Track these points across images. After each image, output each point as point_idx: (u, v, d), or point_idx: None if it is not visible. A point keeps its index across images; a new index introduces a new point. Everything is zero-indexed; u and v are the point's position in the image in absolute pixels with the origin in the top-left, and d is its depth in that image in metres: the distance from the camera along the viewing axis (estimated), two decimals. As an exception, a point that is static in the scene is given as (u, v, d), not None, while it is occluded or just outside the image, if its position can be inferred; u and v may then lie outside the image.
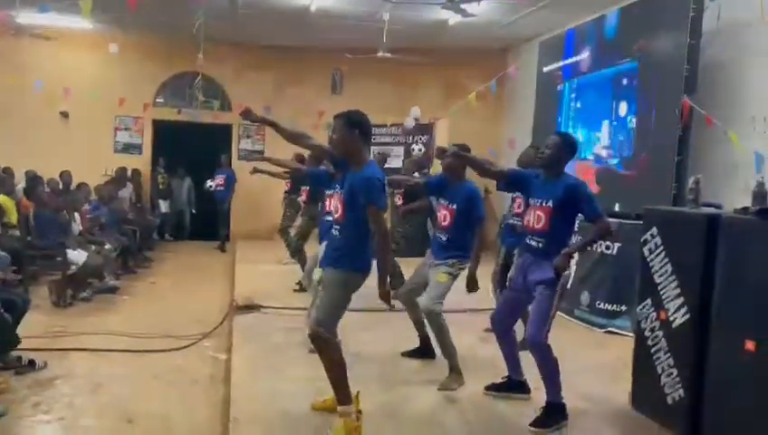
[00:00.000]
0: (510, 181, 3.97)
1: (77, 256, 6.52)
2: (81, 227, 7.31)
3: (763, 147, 5.14)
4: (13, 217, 7.19)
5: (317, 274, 3.47)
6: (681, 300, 3.50)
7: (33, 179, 8.58)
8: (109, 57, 10.51)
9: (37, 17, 9.49)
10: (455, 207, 4.37)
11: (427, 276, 4.44)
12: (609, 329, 5.86)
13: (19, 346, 4.67)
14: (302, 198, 7.95)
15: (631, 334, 5.52)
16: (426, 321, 4.37)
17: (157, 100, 11.69)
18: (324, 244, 4.98)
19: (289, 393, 4.02)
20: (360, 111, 3.49)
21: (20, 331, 4.71)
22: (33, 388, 4.26)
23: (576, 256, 3.73)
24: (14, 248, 6.20)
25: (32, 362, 4.51)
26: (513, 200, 5.35)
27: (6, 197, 7.44)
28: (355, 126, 3.40)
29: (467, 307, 6.15)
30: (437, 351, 4.48)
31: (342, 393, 3.28)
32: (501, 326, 3.87)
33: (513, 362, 3.91)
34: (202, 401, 4.22)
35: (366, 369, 4.41)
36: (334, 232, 3.48)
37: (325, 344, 3.24)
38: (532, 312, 3.64)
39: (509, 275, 5.17)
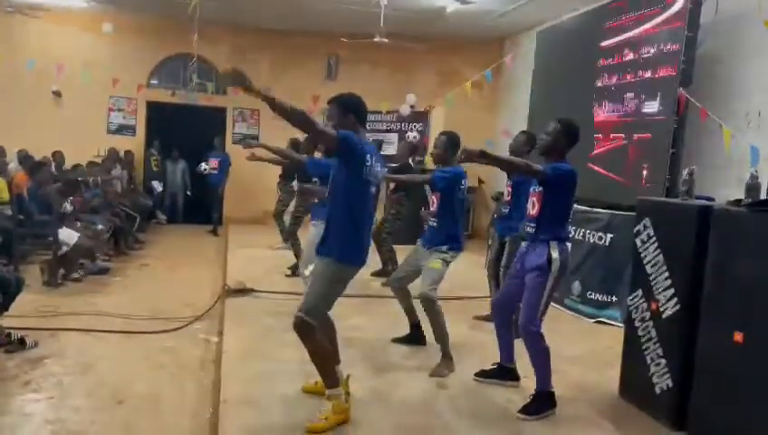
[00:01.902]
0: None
1: (68, 236, 6.49)
2: (72, 208, 7.25)
3: (758, 141, 5.15)
4: (4, 196, 7.14)
5: (311, 267, 3.43)
6: (672, 291, 3.53)
7: (26, 160, 8.49)
8: (102, 36, 10.43)
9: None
10: (438, 190, 4.42)
11: (418, 264, 4.47)
12: (600, 319, 5.90)
13: (10, 325, 4.68)
14: (296, 183, 7.95)
15: (621, 325, 5.58)
16: (422, 307, 4.38)
17: (151, 81, 11.59)
18: (314, 227, 5.01)
19: (280, 376, 4.03)
20: (353, 93, 3.43)
21: (12, 309, 4.71)
22: (22, 366, 4.25)
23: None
24: (5, 228, 6.16)
25: (22, 341, 4.51)
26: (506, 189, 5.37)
27: (-2, 175, 7.40)
28: (350, 110, 3.36)
29: (459, 295, 6.20)
30: (428, 338, 4.50)
31: (329, 377, 3.29)
32: (500, 313, 3.89)
33: (507, 349, 3.94)
34: (192, 383, 4.22)
35: (356, 354, 4.43)
36: (326, 216, 3.44)
37: (307, 331, 3.21)
38: (524, 298, 3.65)
39: (502, 264, 5.24)
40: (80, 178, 7.88)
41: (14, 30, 10.52)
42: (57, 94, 10.94)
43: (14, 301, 4.72)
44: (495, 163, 3.74)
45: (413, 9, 9.18)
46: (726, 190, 5.06)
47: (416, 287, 4.47)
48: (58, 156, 9.04)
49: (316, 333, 3.24)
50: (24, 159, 8.95)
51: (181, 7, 9.31)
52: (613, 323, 5.76)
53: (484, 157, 3.45)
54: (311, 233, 5.08)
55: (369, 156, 3.25)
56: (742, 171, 5.12)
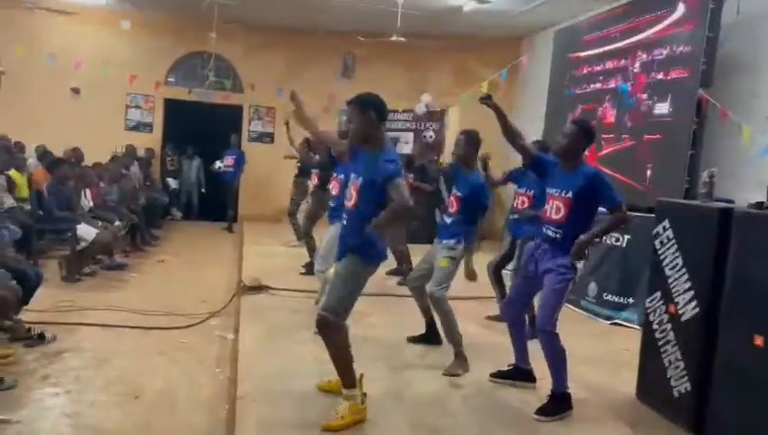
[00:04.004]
0: (533, 163, 3.89)
1: (86, 232, 6.55)
2: (91, 204, 7.33)
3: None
4: (24, 192, 7.22)
5: (332, 269, 3.44)
6: (691, 293, 3.49)
7: (45, 156, 8.58)
8: (120, 33, 10.51)
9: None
10: (460, 194, 4.40)
11: (433, 262, 4.46)
12: (616, 321, 5.86)
13: (30, 319, 4.74)
14: (313, 181, 7.97)
15: (637, 327, 5.55)
16: (431, 307, 4.38)
17: (168, 79, 11.67)
18: (333, 226, 5.01)
19: (295, 373, 4.05)
20: (371, 93, 3.42)
21: (31, 304, 4.77)
22: (41, 361, 4.29)
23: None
24: (24, 223, 6.23)
25: (41, 336, 4.56)
26: (516, 196, 5.36)
27: (17, 172, 7.47)
28: (369, 108, 3.34)
29: (472, 295, 6.16)
30: (443, 337, 4.50)
31: (347, 377, 3.29)
32: (511, 313, 3.88)
33: (521, 351, 3.92)
34: (208, 380, 4.24)
35: (371, 352, 4.43)
36: (345, 220, 3.44)
37: (331, 330, 3.23)
38: (543, 299, 3.63)
39: (512, 267, 5.23)
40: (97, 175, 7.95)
41: (34, 27, 10.63)
42: (75, 91, 11.04)
43: (34, 295, 4.78)
44: (501, 122, 3.78)
45: (429, 8, 9.16)
46: (745, 193, 4.98)
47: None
48: (77, 152, 9.12)
49: (340, 332, 3.25)
50: (43, 154, 9.05)
51: (198, 5, 9.38)
52: (630, 325, 5.72)
53: (495, 109, 3.63)
54: (329, 232, 5.08)
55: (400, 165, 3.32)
56: (760, 173, 5.07)
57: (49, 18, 10.29)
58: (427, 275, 4.52)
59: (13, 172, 7.27)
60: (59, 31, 10.77)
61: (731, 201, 4.20)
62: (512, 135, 3.75)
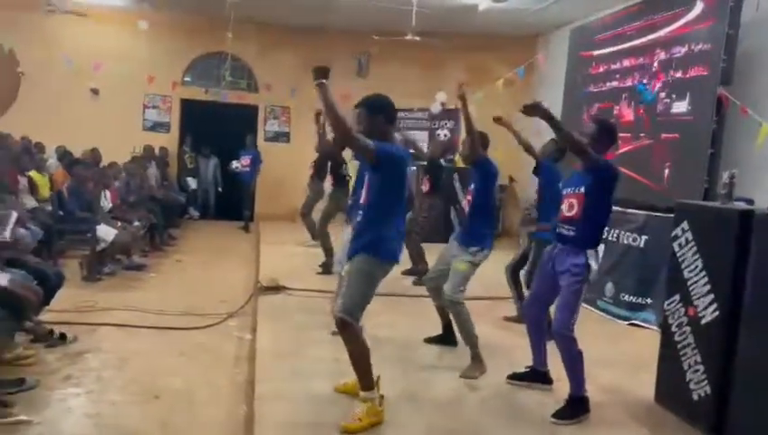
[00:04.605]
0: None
1: (106, 232, 6.63)
2: (110, 204, 7.42)
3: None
4: (45, 193, 7.32)
5: (346, 267, 3.46)
6: (711, 296, 3.46)
7: (65, 156, 8.69)
8: (138, 34, 10.59)
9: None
10: (472, 186, 4.40)
11: (450, 262, 4.45)
12: (633, 321, 5.82)
13: (51, 319, 4.81)
14: (329, 181, 8.00)
15: (655, 328, 5.52)
16: (448, 308, 4.39)
17: (185, 79, 11.76)
18: (349, 228, 5.02)
19: (312, 374, 4.07)
20: (380, 94, 3.44)
21: (52, 304, 4.84)
22: (63, 361, 4.36)
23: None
24: (45, 224, 6.32)
25: (63, 336, 4.62)
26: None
27: (38, 172, 7.58)
28: (378, 111, 3.37)
29: (488, 295, 6.16)
30: (459, 338, 4.50)
31: (365, 379, 3.30)
32: (531, 315, 3.87)
33: (540, 353, 3.91)
34: (226, 380, 4.28)
35: (386, 353, 4.44)
36: (359, 217, 3.49)
37: (349, 331, 3.25)
38: (559, 302, 3.62)
39: (527, 269, 5.22)
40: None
41: (53, 29, 10.76)
42: (95, 92, 11.17)
43: (55, 296, 4.84)
44: (550, 123, 3.56)
45: (444, 7, 9.14)
46: (765, 194, 4.93)
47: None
48: (95, 153, 9.22)
49: (357, 333, 3.27)
50: (63, 155, 9.18)
51: (214, 5, 9.44)
52: (647, 325, 5.67)
53: (538, 111, 3.47)
54: (346, 233, 5.09)
55: (407, 163, 3.34)
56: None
57: (68, 20, 10.41)
58: (445, 276, 4.51)
59: (34, 173, 7.38)
60: (78, 32, 10.88)
61: (750, 201, 4.15)
62: (568, 140, 3.61)
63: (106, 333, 5.05)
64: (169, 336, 5.12)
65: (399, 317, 5.48)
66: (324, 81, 3.12)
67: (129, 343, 4.91)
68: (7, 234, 4.40)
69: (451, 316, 4.40)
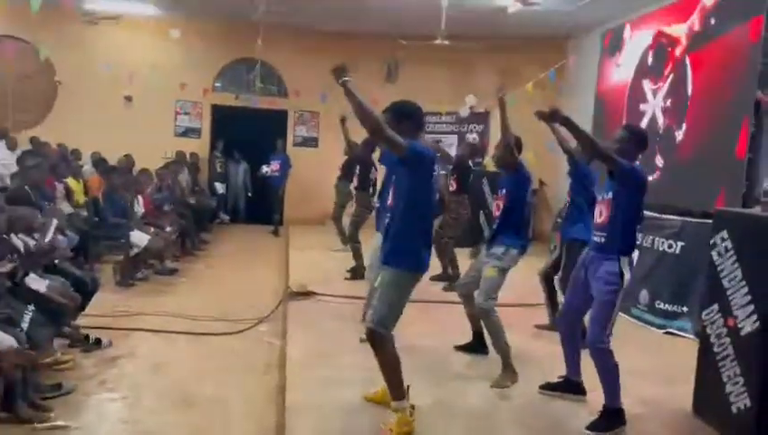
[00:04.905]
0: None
1: (140, 238, 6.75)
2: (143, 210, 7.54)
3: None
4: (80, 199, 7.48)
5: (379, 277, 3.46)
6: (751, 307, 3.37)
7: (100, 163, 8.87)
8: (170, 42, 10.75)
9: (103, 3, 9.80)
10: (503, 192, 4.35)
11: (481, 269, 4.41)
12: (669, 330, 5.69)
13: (87, 324, 4.91)
14: (354, 184, 8.02)
15: (692, 337, 5.39)
16: (479, 317, 4.35)
17: (215, 85, 11.91)
18: (378, 235, 5.01)
19: (342, 382, 4.06)
20: (408, 100, 3.46)
21: (87, 309, 4.94)
22: (99, 366, 4.44)
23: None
24: (81, 229, 6.45)
25: (98, 341, 4.71)
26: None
27: (74, 179, 7.75)
28: (404, 117, 3.37)
29: (519, 302, 6.09)
30: (491, 346, 4.45)
31: (396, 389, 3.28)
32: (566, 325, 3.81)
33: (573, 363, 3.84)
34: (258, 387, 4.31)
35: (417, 362, 4.38)
36: (387, 221, 3.50)
37: (380, 342, 3.25)
38: (593, 312, 3.56)
39: (559, 276, 5.15)
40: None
41: (88, 38, 10.99)
42: (128, 99, 11.37)
43: (91, 301, 4.94)
44: (571, 129, 3.49)
45: (473, 9, 9.09)
46: None
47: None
48: (128, 160, 9.39)
49: (389, 344, 3.26)
50: (98, 162, 9.36)
51: (244, 12, 9.53)
52: (684, 334, 5.54)
53: (557, 118, 3.44)
54: (375, 241, 5.08)
55: (435, 164, 3.32)
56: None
57: (102, 30, 10.63)
58: (476, 282, 4.47)
59: (70, 180, 7.55)
60: (112, 42, 11.10)
61: None
62: (592, 146, 3.54)
63: (140, 338, 5.13)
64: (201, 341, 5.19)
65: (429, 324, 5.45)
66: (347, 78, 3.14)
67: (163, 348, 4.99)
68: (47, 240, 4.50)
69: (483, 324, 4.36)
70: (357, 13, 9.79)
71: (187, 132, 12.01)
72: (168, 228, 7.73)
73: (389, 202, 3.46)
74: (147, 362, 4.64)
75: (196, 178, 11.35)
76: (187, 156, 11.47)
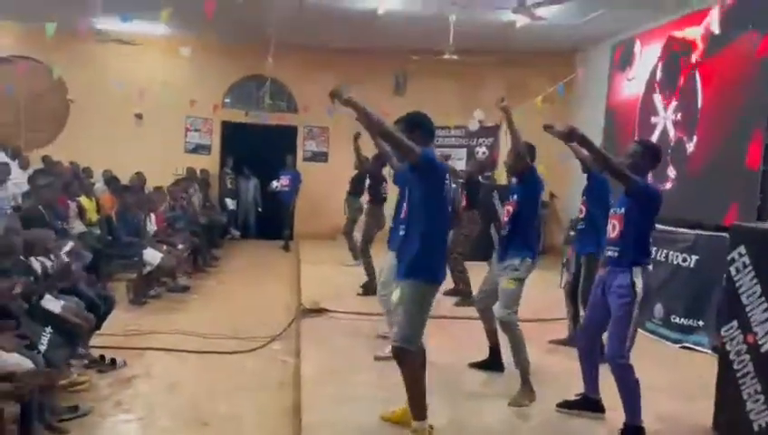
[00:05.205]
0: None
1: (153, 256, 6.77)
2: (155, 228, 7.58)
3: None
4: (93, 217, 7.52)
5: (395, 294, 3.45)
6: (772, 324, 3.33)
7: (112, 181, 8.92)
8: (180, 59, 10.83)
9: (115, 23, 9.89)
10: (514, 198, 4.33)
11: (495, 281, 4.39)
12: (685, 344, 5.64)
13: (102, 343, 4.92)
14: (366, 198, 8.03)
15: (708, 351, 5.34)
16: (501, 330, 4.31)
17: (225, 101, 12.00)
18: (392, 254, 5.00)
19: (358, 401, 4.04)
20: (419, 111, 3.50)
21: (102, 328, 4.94)
22: (114, 386, 4.45)
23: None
24: (94, 247, 6.48)
25: (113, 361, 4.72)
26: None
27: (86, 197, 7.80)
28: (416, 127, 3.40)
29: (532, 317, 6.04)
30: (506, 363, 4.42)
31: (418, 409, 3.27)
32: (585, 342, 3.79)
33: (592, 381, 3.81)
34: (273, 406, 4.30)
35: (432, 380, 4.26)
36: (401, 232, 3.51)
37: (406, 359, 3.25)
38: (610, 327, 3.55)
39: (580, 288, 5.11)
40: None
41: (100, 57, 11.11)
42: (139, 117, 11.48)
43: (106, 320, 4.95)
44: (587, 147, 3.61)
45: (482, 24, 9.13)
46: None
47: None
48: (140, 177, 9.45)
49: (416, 361, 3.27)
50: (109, 180, 9.42)
51: (254, 29, 9.61)
52: (700, 349, 5.49)
53: (575, 137, 3.46)
54: (387, 260, 5.06)
55: (446, 173, 3.36)
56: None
57: (114, 49, 10.74)
58: (492, 296, 4.43)
59: (82, 198, 7.59)
60: (123, 60, 11.21)
61: None
62: (605, 163, 3.58)
63: (154, 358, 5.14)
64: (215, 360, 5.18)
65: (443, 341, 5.39)
66: (346, 97, 3.19)
67: (177, 367, 4.99)
68: (62, 259, 4.53)
69: (507, 337, 4.29)
70: (366, 28, 9.84)
71: (198, 149, 12.09)
72: (181, 246, 7.76)
73: (403, 214, 3.45)
74: (161, 382, 4.64)
75: (207, 195, 11.40)
76: (198, 172, 11.54)
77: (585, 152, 4.93)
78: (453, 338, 5.51)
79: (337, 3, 8.70)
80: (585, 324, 3.85)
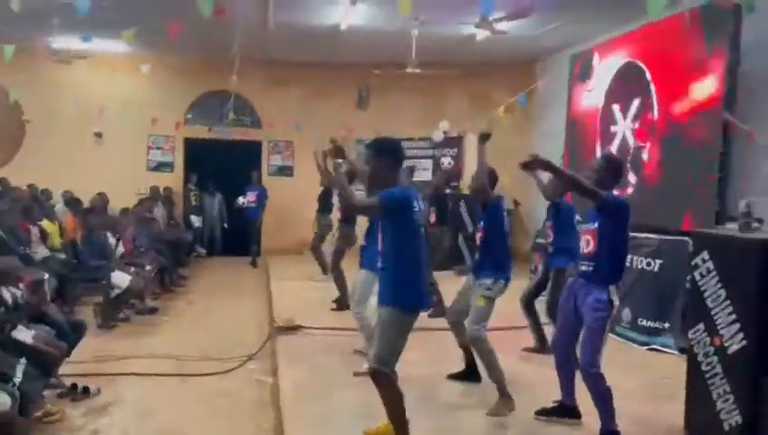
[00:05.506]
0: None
1: (121, 279, 6.65)
2: (122, 250, 7.44)
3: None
4: (56, 241, 7.34)
5: (368, 310, 3.51)
6: (737, 326, 3.48)
7: (73, 202, 8.73)
8: (141, 77, 10.68)
9: (73, 42, 9.71)
10: (482, 224, 4.48)
11: (469, 295, 4.48)
12: (653, 346, 5.81)
13: (72, 372, 4.80)
14: (336, 216, 8.04)
15: (675, 352, 5.53)
16: (471, 346, 4.39)
17: (187, 117, 11.87)
18: (364, 272, 5.04)
19: (341, 418, 4.07)
20: (388, 137, 3.64)
21: (72, 355, 4.83)
22: (88, 416, 4.35)
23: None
24: (60, 273, 6.33)
25: (86, 389, 4.61)
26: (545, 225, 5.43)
27: (48, 220, 7.61)
28: (385, 154, 3.47)
29: (503, 325, 6.13)
30: (483, 374, 4.49)
31: (401, 428, 3.29)
32: (561, 352, 3.89)
33: (569, 388, 3.91)
34: (254, 428, 4.27)
35: (411, 393, 4.28)
36: (380, 265, 3.49)
37: (383, 381, 3.28)
38: (584, 338, 3.65)
39: (548, 299, 5.26)
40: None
41: (58, 76, 10.86)
42: (98, 135, 11.27)
43: (76, 346, 4.84)
44: (558, 176, 3.87)
45: (443, 38, 9.27)
46: None
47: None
48: (102, 198, 9.25)
49: (393, 382, 3.28)
50: (70, 201, 9.21)
51: (216, 45, 9.55)
52: (667, 350, 5.67)
53: (548, 167, 3.63)
54: (360, 277, 5.10)
55: (414, 201, 3.35)
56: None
57: (72, 68, 10.52)
58: (465, 311, 4.53)
59: (44, 222, 7.41)
60: (82, 79, 11.01)
61: (761, 220, 4.11)
62: (575, 186, 3.74)
63: (127, 383, 5.04)
64: (190, 383, 5.12)
65: (419, 353, 5.38)
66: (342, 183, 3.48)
67: (152, 392, 4.90)
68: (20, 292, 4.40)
69: (475, 353, 4.40)
70: (329, 44, 9.89)
71: (160, 166, 11.93)
72: (148, 266, 7.64)
73: (380, 247, 3.47)
74: (137, 409, 4.56)
75: (171, 213, 11.25)
76: (161, 190, 11.37)
77: (545, 182, 5.14)
78: (429, 350, 5.53)
79: (300, 19, 8.73)
80: (559, 335, 3.95)
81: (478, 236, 4.56)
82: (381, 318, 3.37)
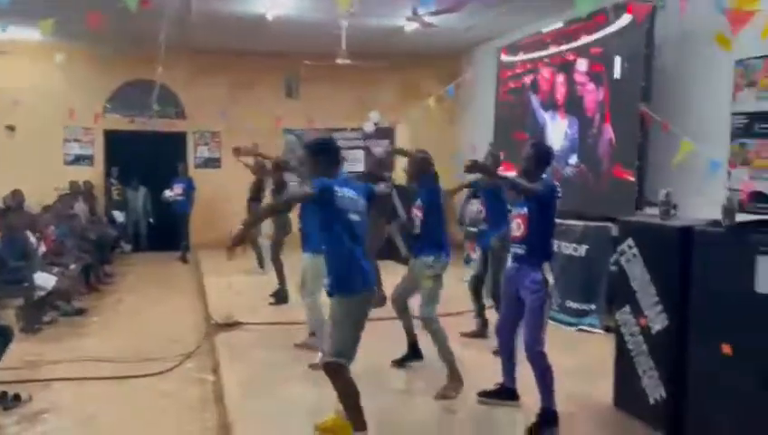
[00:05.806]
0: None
1: (45, 280, 6.35)
2: (44, 249, 7.09)
3: (718, 154, 5.39)
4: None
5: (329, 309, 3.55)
6: (660, 307, 3.75)
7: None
8: (55, 67, 10.16)
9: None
10: (419, 202, 4.60)
11: (414, 279, 4.61)
12: (580, 327, 6.15)
13: (0, 379, 4.58)
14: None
15: (601, 331, 5.88)
16: (424, 328, 4.50)
17: (107, 106, 11.37)
18: (307, 255, 5.07)
19: (289, 413, 4.08)
20: (323, 137, 3.70)
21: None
22: (22, 424, 4.18)
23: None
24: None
25: (17, 397, 4.42)
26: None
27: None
28: (318, 154, 3.52)
29: (445, 312, 6.30)
30: (428, 358, 4.63)
31: (358, 420, 3.35)
32: (504, 335, 4.06)
33: (511, 371, 4.10)
34: (199, 427, 4.22)
35: (358, 382, 4.46)
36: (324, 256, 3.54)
37: (336, 374, 3.32)
38: (526, 319, 3.83)
39: (492, 279, 5.49)
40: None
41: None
42: (11, 129, 10.62)
43: (5, 353, 4.61)
44: (493, 176, 4.31)
45: (372, 29, 9.32)
46: (688, 199, 5.18)
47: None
48: (18, 195, 8.75)
49: (346, 374, 3.33)
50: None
51: (134, 34, 9.19)
52: (594, 330, 6.02)
53: (479, 169, 4.00)
54: (303, 261, 5.12)
55: (335, 186, 3.36)
56: (701, 181, 5.39)
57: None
58: (408, 292, 4.68)
59: (-44, 223, 6.94)
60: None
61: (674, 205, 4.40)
62: (515, 189, 3.95)
63: (61, 389, 4.86)
64: (128, 386, 4.98)
65: (363, 343, 5.53)
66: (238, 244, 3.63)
67: (88, 397, 4.74)
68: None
69: (429, 336, 4.48)
70: (255, 33, 9.72)
71: (78, 160, 11.42)
72: (73, 266, 7.32)
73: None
74: (74, 415, 4.40)
75: (93, 208, 10.77)
76: (81, 184, 10.86)
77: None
78: (371, 339, 5.59)
79: (225, 8, 8.54)
80: (502, 320, 4.12)
81: (415, 214, 4.62)
82: (333, 310, 3.42)
